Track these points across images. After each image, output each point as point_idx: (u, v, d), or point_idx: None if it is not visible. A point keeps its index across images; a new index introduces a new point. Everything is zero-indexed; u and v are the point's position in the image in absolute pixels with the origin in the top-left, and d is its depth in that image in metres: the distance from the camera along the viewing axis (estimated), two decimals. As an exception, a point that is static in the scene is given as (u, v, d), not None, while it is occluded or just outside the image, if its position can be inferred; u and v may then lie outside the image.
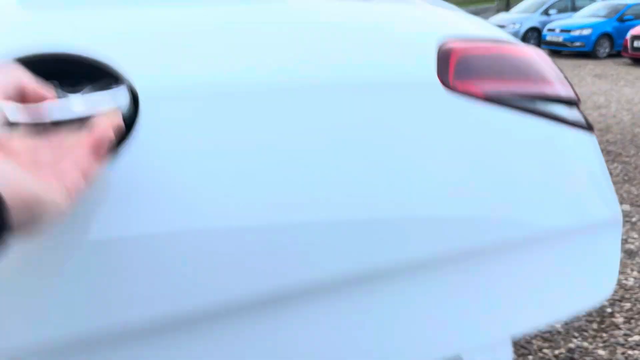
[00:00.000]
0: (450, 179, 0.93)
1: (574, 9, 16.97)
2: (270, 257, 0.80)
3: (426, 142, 0.91)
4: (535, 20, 16.68)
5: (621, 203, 3.92)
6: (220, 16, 0.90)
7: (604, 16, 14.28)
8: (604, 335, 2.36)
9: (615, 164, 4.86)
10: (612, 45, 13.76)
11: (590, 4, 16.83)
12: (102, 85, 0.71)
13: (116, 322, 0.74)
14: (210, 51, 0.83)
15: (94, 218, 0.72)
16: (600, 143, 5.45)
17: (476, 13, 28.24)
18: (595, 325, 2.43)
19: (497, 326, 1.01)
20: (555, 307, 1.07)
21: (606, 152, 5.24)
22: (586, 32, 13.79)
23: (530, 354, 2.24)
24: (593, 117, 6.88)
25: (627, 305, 2.59)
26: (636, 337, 2.34)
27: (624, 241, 3.23)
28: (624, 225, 3.44)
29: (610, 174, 4.60)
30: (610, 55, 13.80)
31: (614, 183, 4.34)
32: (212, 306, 0.78)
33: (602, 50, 13.73)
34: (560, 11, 16.99)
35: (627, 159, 5.00)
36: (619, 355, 2.22)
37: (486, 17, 23.01)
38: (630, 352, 2.24)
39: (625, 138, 5.77)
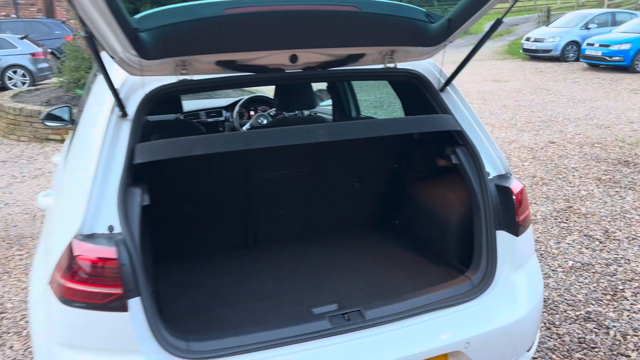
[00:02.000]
0: None
1: (614, 23, 17.28)
2: None
3: None
4: (575, 34, 17.06)
5: (641, 208, 4.63)
6: None
7: (644, 31, 14.62)
8: (615, 303, 3.12)
9: (640, 175, 5.54)
10: (651, 60, 14.11)
11: (630, 18, 17.13)
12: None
13: None
14: None
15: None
16: (629, 156, 6.13)
17: (515, 24, 28.54)
18: (608, 297, 3.19)
19: None
20: None
21: (634, 164, 5.90)
22: (625, 47, 14.17)
23: (557, 313, 3.02)
24: (625, 131, 7.49)
25: (636, 284, 3.33)
26: (639, 306, 3.09)
27: None
28: (640, 225, 4.15)
29: (634, 183, 5.29)
30: (648, 70, 14.16)
31: (638, 192, 5.03)
32: None
33: (640, 65, 14.11)
34: (600, 25, 17.32)
35: (652, 171, 5.66)
36: (624, 317, 2.97)
37: (525, 30, 23.39)
38: (634, 315, 2.99)
39: (653, 152, 6.40)
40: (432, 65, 2.10)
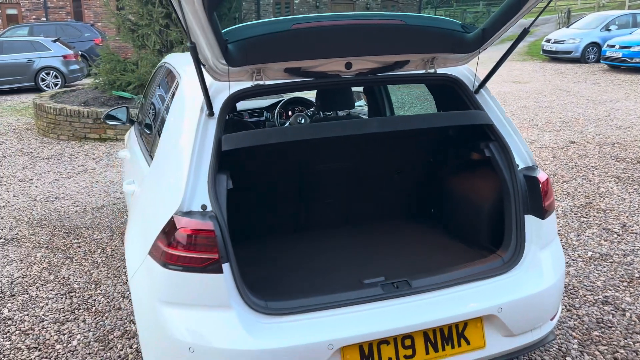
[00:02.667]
0: None
1: (635, 25, 17.32)
2: None
3: None
4: (595, 35, 17.14)
5: (658, 204, 4.84)
6: None
7: (665, 33, 14.70)
8: (631, 289, 3.37)
9: (659, 173, 5.74)
10: (672, 62, 14.18)
11: (652, 19, 17.15)
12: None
13: None
14: None
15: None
16: (647, 155, 6.32)
17: (536, 25, 28.50)
18: (625, 284, 3.44)
19: None
20: None
21: (652, 163, 6.11)
22: (646, 48, 14.25)
23: (577, 297, 3.28)
24: (644, 132, 7.67)
25: (652, 273, 3.57)
26: (655, 292, 3.33)
27: (656, 231, 4.18)
28: (657, 220, 4.38)
29: (653, 181, 5.50)
30: (670, 71, 14.23)
31: (655, 188, 5.24)
32: None
33: (661, 66, 14.18)
34: (621, 27, 17.36)
35: (669, 170, 5.86)
36: (639, 302, 3.23)
37: (545, 32, 23.41)
38: (649, 299, 3.24)
39: (671, 151, 6.59)
40: (467, 70, 2.39)
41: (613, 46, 15.06)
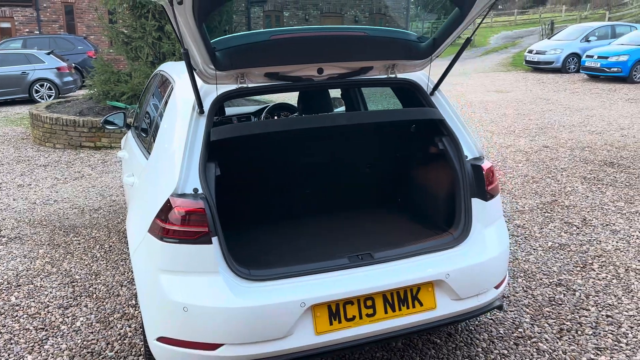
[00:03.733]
0: None
1: (614, 36, 17.91)
2: None
3: None
4: (575, 46, 17.72)
5: (618, 200, 5.23)
6: None
7: (641, 44, 15.25)
8: (583, 273, 3.73)
9: (622, 174, 6.14)
10: (648, 71, 14.74)
11: (630, 31, 17.76)
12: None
13: None
14: None
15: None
16: (614, 158, 6.73)
17: (520, 37, 29.24)
18: (578, 269, 3.80)
19: None
20: None
21: (617, 165, 6.51)
22: (623, 58, 14.80)
23: (533, 280, 3.63)
24: (615, 137, 8.10)
25: (603, 259, 3.94)
26: (604, 275, 3.69)
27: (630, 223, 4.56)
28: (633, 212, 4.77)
29: (615, 180, 5.90)
30: (646, 80, 14.78)
31: (617, 187, 5.64)
32: None
33: (638, 75, 14.73)
34: (600, 38, 17.95)
35: (633, 171, 6.26)
36: (589, 283, 3.58)
37: (529, 43, 24.04)
38: (597, 281, 3.60)
39: (637, 154, 7.00)
40: (424, 75, 2.76)
41: (592, 57, 15.62)
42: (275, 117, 4.69)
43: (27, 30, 21.01)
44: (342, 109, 4.81)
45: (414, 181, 3.06)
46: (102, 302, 3.55)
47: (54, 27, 21.25)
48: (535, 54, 18.43)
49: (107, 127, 4.20)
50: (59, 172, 7.12)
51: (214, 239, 2.14)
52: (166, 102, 2.74)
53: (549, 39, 20.11)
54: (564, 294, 3.46)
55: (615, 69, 14.83)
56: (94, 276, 3.94)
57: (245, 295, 2.11)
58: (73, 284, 3.83)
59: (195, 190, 2.19)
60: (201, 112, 2.34)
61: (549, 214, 4.92)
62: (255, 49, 2.31)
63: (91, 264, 4.16)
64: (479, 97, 12.69)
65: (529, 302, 3.35)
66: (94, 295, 3.65)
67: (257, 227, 3.04)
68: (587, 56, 15.85)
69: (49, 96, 14.26)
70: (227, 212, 2.88)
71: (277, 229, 3.01)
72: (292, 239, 2.87)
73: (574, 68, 17.56)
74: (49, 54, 14.88)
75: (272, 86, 2.49)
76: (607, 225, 4.61)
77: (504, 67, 20.46)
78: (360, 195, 3.30)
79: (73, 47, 17.96)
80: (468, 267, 2.36)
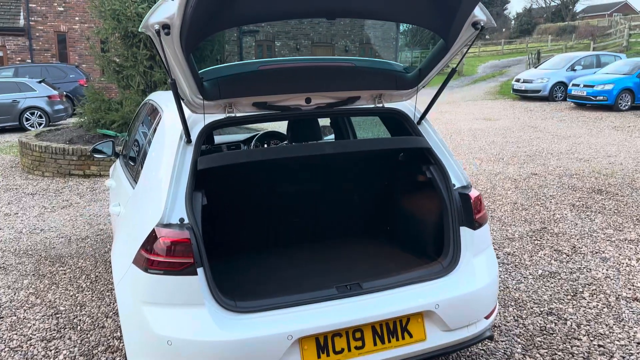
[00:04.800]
0: None
1: (599, 65, 18.27)
2: None
3: None
4: (562, 75, 18.04)
5: (607, 227, 5.25)
6: None
7: (626, 73, 15.56)
8: (574, 302, 3.71)
9: (610, 201, 6.18)
10: (633, 99, 15.00)
11: (614, 60, 18.13)
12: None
13: None
14: None
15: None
16: (602, 185, 6.78)
17: (507, 66, 29.75)
18: (569, 297, 3.78)
19: None
20: None
21: (606, 192, 6.56)
22: (608, 87, 15.07)
23: (524, 309, 3.61)
24: (602, 164, 8.18)
25: (593, 287, 3.92)
26: (594, 303, 3.67)
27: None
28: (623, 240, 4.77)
29: (604, 207, 5.93)
30: (632, 108, 15.03)
31: (606, 215, 5.66)
32: None
33: (623, 104, 14.98)
34: (585, 67, 18.30)
35: (621, 198, 6.31)
36: (580, 312, 3.56)
37: (517, 71, 24.45)
38: (589, 310, 3.58)
39: (624, 182, 7.06)
40: (410, 104, 2.78)
41: (578, 85, 15.88)
42: (265, 145, 4.69)
43: (19, 59, 21.08)
44: (332, 137, 4.83)
45: (403, 210, 3.06)
46: (87, 334, 3.47)
47: (46, 55, 21.34)
48: (523, 82, 18.73)
49: (96, 155, 4.18)
50: (47, 201, 7.05)
51: (200, 270, 2.11)
52: (154, 131, 2.73)
53: (535, 68, 20.47)
54: (555, 323, 3.43)
55: (601, 97, 15.07)
56: (79, 307, 3.87)
57: (231, 328, 2.07)
58: (57, 315, 3.75)
59: (182, 220, 2.16)
60: (188, 141, 2.33)
61: (538, 242, 4.92)
62: (243, 79, 2.32)
63: (76, 295, 4.08)
64: (467, 125, 12.81)
65: (520, 332, 3.32)
66: (79, 327, 3.57)
67: (244, 256, 3.01)
68: (574, 85, 16.12)
69: (40, 124, 14.23)
70: (214, 241, 2.85)
71: (264, 258, 2.98)
72: (280, 269, 2.84)
73: (560, 96, 17.84)
74: (40, 82, 14.91)
75: (260, 115, 2.49)
76: (596, 252, 4.62)
77: (491, 95, 20.74)
78: (348, 224, 3.28)
79: (65, 76, 18.03)
80: (458, 297, 2.33)
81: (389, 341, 2.23)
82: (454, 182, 2.61)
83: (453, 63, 19.79)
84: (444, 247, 2.55)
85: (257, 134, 4.68)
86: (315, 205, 3.15)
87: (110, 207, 3.00)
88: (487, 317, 2.50)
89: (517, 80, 19.09)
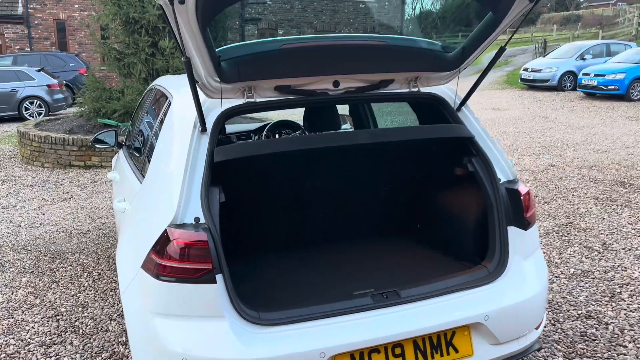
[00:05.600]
0: None
1: (609, 54, 17.89)
2: None
3: None
4: (571, 64, 17.67)
5: (636, 222, 4.97)
6: None
7: (638, 62, 15.20)
8: (613, 304, 3.44)
9: (636, 194, 5.90)
10: (645, 89, 14.67)
11: (625, 49, 17.76)
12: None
13: None
14: None
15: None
16: (625, 177, 6.50)
17: (513, 55, 29.31)
18: (607, 299, 3.52)
19: None
20: None
21: (629, 185, 6.28)
22: (620, 76, 14.73)
23: (560, 312, 3.34)
24: (621, 155, 7.89)
25: (632, 287, 3.66)
26: (635, 305, 3.41)
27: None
28: None
29: (630, 201, 5.65)
30: (644, 98, 14.71)
31: (633, 209, 5.39)
32: None
33: (635, 93, 14.65)
34: (595, 56, 17.93)
35: (646, 190, 6.04)
36: (621, 315, 3.29)
37: (523, 61, 24.07)
38: (630, 313, 3.32)
39: (647, 173, 6.79)
40: (449, 89, 2.50)
41: (588, 74, 15.53)
42: (277, 136, 4.41)
43: (18, 47, 20.73)
44: (348, 126, 4.54)
45: (437, 206, 2.78)
46: (89, 338, 3.21)
47: (45, 44, 20.98)
48: (531, 72, 18.37)
49: (97, 145, 3.90)
50: (47, 193, 6.79)
51: (219, 277, 1.84)
52: (162, 120, 2.45)
53: (543, 57, 20.09)
54: (596, 327, 3.17)
55: (612, 87, 14.74)
56: (80, 308, 3.61)
57: (254, 344, 1.81)
58: (58, 317, 3.50)
59: (197, 219, 1.89)
60: (203, 129, 2.05)
61: (566, 238, 4.65)
62: (265, 60, 2.04)
63: (78, 295, 3.82)
64: (477, 115, 12.49)
65: (559, 338, 3.06)
66: (81, 330, 3.31)
67: (264, 258, 2.74)
68: (584, 74, 15.77)
69: (39, 114, 13.94)
70: (232, 242, 2.58)
71: (285, 260, 2.71)
72: (304, 273, 2.57)
73: (569, 86, 17.49)
74: (39, 71, 14.59)
75: (283, 101, 2.21)
76: (629, 249, 4.35)
77: (499, 85, 20.38)
78: (376, 221, 3.01)
79: (64, 65, 17.68)
80: (509, 307, 2.07)
81: (432, 357, 1.96)
82: (500, 175, 2.33)
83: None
84: (488, 249, 2.28)
85: (268, 123, 4.39)
86: (341, 200, 2.88)
87: (114, 202, 2.73)
88: (537, 328, 2.24)
89: (525, 70, 18.73)
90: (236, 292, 1.92)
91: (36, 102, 14.04)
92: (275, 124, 4.40)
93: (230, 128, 4.33)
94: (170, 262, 1.82)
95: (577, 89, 16.30)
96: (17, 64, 16.72)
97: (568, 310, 3.37)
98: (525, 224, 2.24)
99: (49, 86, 14.32)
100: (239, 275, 2.50)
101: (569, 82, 17.51)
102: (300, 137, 2.16)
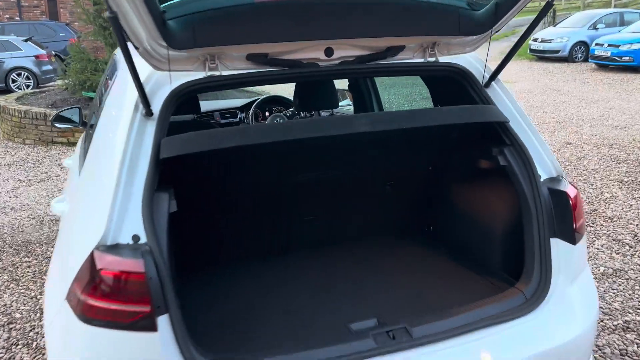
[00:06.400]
0: None
1: (623, 23, 17.12)
2: None
3: None
4: (583, 34, 16.91)
5: (669, 210, 4.46)
6: None
7: (653, 31, 14.47)
8: (654, 312, 2.96)
9: (664, 176, 5.38)
10: (661, 60, 13.97)
11: (639, 18, 16.97)
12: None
13: None
14: None
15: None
16: (648, 156, 5.96)
17: (520, 25, 28.37)
18: (646, 305, 3.03)
19: None
20: None
21: (655, 165, 5.75)
22: (635, 47, 14.00)
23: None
24: (642, 132, 7.34)
25: (674, 291, 3.17)
26: (681, 314, 2.92)
27: (672, 242, 3.78)
28: (671, 229, 4.00)
29: (659, 185, 5.13)
30: (659, 70, 14.03)
31: (663, 193, 4.87)
32: None
33: (651, 65, 13.95)
34: (608, 25, 17.17)
35: (674, 172, 5.50)
36: (666, 326, 2.81)
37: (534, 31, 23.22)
38: (675, 324, 2.83)
39: (673, 152, 6.24)
40: (475, 59, 1.96)
41: (602, 45, 14.81)
42: (267, 113, 3.87)
43: (8, 16, 19.97)
44: (347, 102, 4.00)
45: (456, 206, 2.26)
46: (43, 355, 2.74)
47: (35, 13, 20.20)
48: (541, 42, 17.61)
49: (58, 125, 3.37)
50: (24, 173, 6.29)
51: (162, 320, 1.34)
52: (104, 98, 1.92)
53: (553, 26, 19.28)
54: (637, 343, 2.68)
55: (626, 58, 14.03)
56: (38, 314, 3.13)
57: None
58: (11, 325, 3.02)
59: (136, 238, 1.38)
60: (148, 113, 1.53)
61: (592, 228, 4.14)
62: (231, 18, 1.50)
63: (38, 296, 3.34)
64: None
65: (596, 358, 2.57)
66: (34, 343, 2.84)
67: (238, 275, 2.23)
68: (597, 44, 15.04)
69: (27, 86, 13.34)
70: (195, 256, 2.07)
71: (267, 274, 2.20)
72: (289, 293, 2.06)
73: (581, 57, 16.75)
74: (26, 40, 13.93)
75: (258, 74, 1.68)
76: (665, 243, 3.85)
77: (502, 55, 19.61)
78: (377, 224, 2.49)
79: (54, 34, 16.98)
80: (550, 352, 1.57)
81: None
82: (540, 172, 1.81)
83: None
84: (524, 266, 1.77)
85: (257, 99, 3.85)
86: (336, 197, 2.35)
87: (52, 201, 2.21)
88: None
89: (535, 40, 17.96)
90: (195, 327, 1.42)
91: (24, 74, 13.43)
92: (264, 99, 3.86)
93: (211, 104, 3.78)
94: (96, 300, 1.32)
95: (589, 60, 15.58)
96: (5, 33, 16.01)
97: (602, 321, 2.89)
98: (574, 237, 1.72)
99: (36, 57, 13.69)
100: (203, 298, 1.99)
101: (580, 52, 16.76)
102: (278, 125, 1.62)
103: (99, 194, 1.46)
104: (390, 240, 2.47)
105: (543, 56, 17.53)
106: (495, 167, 1.88)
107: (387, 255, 2.33)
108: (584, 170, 5.66)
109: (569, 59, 16.75)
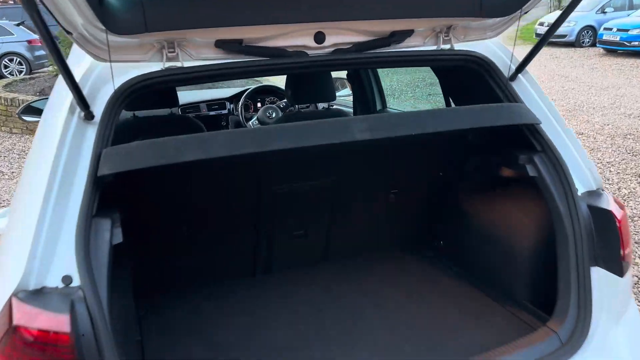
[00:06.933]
0: None
1: (632, 7, 16.68)
2: None
3: None
4: (590, 18, 16.48)
5: (693, 209, 4.14)
6: None
7: (664, 15, 14.06)
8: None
9: (684, 170, 5.06)
10: (672, 45, 13.56)
11: (648, 2, 16.53)
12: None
13: None
14: None
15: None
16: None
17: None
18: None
19: None
20: None
21: (672, 157, 5.43)
22: (645, 31, 13.60)
23: None
24: (656, 120, 7.00)
25: None
26: None
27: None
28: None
29: (680, 180, 4.81)
30: (670, 55, 13.62)
31: (685, 189, 4.55)
32: None
33: (661, 50, 13.54)
34: (617, 9, 16.74)
35: (695, 166, 5.17)
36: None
37: (536, 15, 22.74)
38: None
39: (691, 143, 5.91)
40: (499, 47, 1.63)
41: (610, 29, 14.40)
42: (259, 105, 3.54)
43: (2, 0, 19.54)
44: (346, 92, 3.66)
45: (471, 219, 1.94)
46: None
47: (29, -4, 19.76)
48: (547, 26, 17.15)
49: (26, 118, 3.05)
50: (7, 165, 5.99)
51: None
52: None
53: (560, 10, 18.81)
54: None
55: (636, 43, 13.63)
56: None
57: None
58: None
59: (67, 280, 1.07)
60: (87, 116, 1.20)
61: (611, 229, 3.82)
62: None
63: None
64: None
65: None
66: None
67: (213, 301, 1.91)
68: (605, 29, 14.62)
69: (20, 72, 12.99)
70: (146, 279, 1.75)
71: (245, 301, 1.89)
72: (264, 330, 1.73)
73: (588, 42, 16.33)
74: (18, 25, 13.54)
75: (231, 66, 1.35)
76: (692, 246, 3.53)
77: (511, 40, 19.12)
78: (379, 239, 2.17)
79: (48, 19, 16.49)
80: None
81: None
82: (577, 185, 1.48)
83: None
84: (557, 300, 1.46)
85: (247, 89, 3.52)
86: (331, 208, 2.03)
87: None
88: None
89: (541, 24, 17.53)
90: None
91: (16, 60, 13.07)
92: (255, 89, 3.53)
93: (197, 95, 3.45)
94: None
95: (597, 45, 15.17)
96: (-3, 17, 15.63)
97: None
98: (621, 267, 1.40)
99: (29, 42, 13.32)
100: (162, 332, 1.68)
101: (587, 37, 16.34)
102: (249, 131, 1.30)
103: (22, 220, 1.14)
104: (394, 258, 2.15)
105: (550, 41, 17.09)
106: (521, 177, 1.56)
107: (391, 276, 2.02)
108: (598, 164, 5.34)
109: (576, 43, 16.33)
